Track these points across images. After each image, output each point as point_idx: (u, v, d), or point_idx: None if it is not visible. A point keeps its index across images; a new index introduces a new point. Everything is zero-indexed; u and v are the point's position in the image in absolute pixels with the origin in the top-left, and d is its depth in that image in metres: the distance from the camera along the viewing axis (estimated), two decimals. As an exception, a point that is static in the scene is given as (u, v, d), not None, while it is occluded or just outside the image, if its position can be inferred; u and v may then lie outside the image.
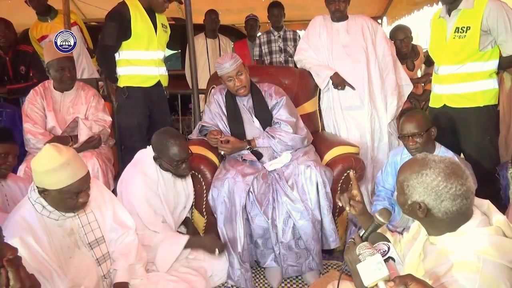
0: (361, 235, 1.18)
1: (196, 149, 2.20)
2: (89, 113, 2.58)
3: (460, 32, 2.13)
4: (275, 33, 3.88)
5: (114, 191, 2.10)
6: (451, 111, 2.27)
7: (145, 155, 2.01)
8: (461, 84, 2.21)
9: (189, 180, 2.14)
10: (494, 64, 2.17)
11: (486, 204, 1.12)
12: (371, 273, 1.00)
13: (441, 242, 1.09)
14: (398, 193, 1.17)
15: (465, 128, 2.25)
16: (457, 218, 1.06)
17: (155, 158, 1.95)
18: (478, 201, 1.13)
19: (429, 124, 2.01)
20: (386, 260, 1.06)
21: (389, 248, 1.13)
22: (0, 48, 3.08)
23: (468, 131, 2.25)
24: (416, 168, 1.10)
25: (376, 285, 1.00)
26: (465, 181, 1.06)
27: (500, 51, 2.16)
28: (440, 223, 1.08)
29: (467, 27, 2.10)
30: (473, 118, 2.22)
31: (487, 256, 0.98)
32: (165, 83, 2.83)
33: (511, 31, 2.06)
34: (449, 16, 2.19)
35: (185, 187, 2.13)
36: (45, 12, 3.42)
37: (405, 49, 3.11)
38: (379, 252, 1.08)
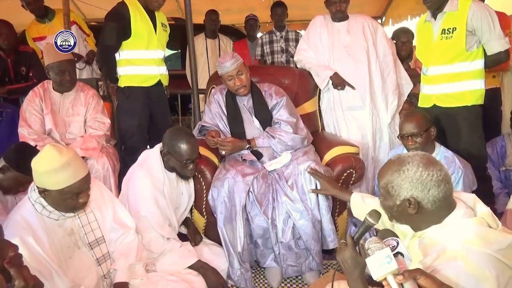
0: (353, 236, 1.20)
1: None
2: (88, 114, 2.58)
3: (447, 33, 2.22)
4: (277, 33, 3.87)
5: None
6: (441, 111, 2.32)
7: (150, 155, 2.01)
8: (450, 84, 2.29)
9: (190, 180, 2.14)
10: (480, 63, 2.25)
11: (472, 198, 1.16)
12: (380, 266, 1.01)
13: (428, 235, 1.13)
14: (383, 199, 1.20)
15: (455, 126, 2.31)
16: (443, 206, 1.10)
17: (163, 154, 1.95)
18: (464, 195, 1.17)
19: (428, 124, 2.02)
20: (395, 255, 1.06)
21: (398, 243, 1.14)
22: (2, 50, 3.10)
23: (458, 130, 2.30)
24: (395, 167, 1.14)
25: (385, 278, 1.00)
26: (441, 167, 1.12)
27: (485, 51, 2.24)
28: (429, 215, 1.12)
29: (453, 28, 2.20)
30: (463, 117, 2.29)
31: (472, 245, 1.01)
32: (165, 82, 2.83)
33: (494, 30, 2.16)
34: (435, 19, 2.29)
35: (188, 188, 2.13)
36: (43, 14, 3.42)
37: (404, 53, 3.12)
38: (388, 246, 1.08)
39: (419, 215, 1.12)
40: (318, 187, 2.07)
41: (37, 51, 3.41)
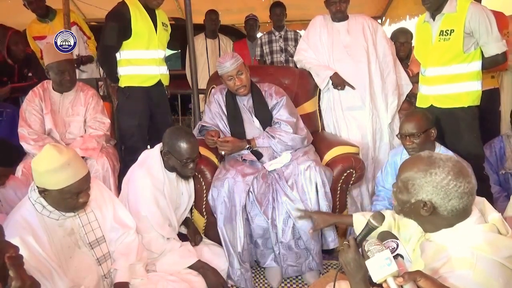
0: (355, 237, 1.19)
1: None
2: (87, 114, 2.58)
3: (445, 35, 2.23)
4: (276, 33, 3.89)
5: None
6: (438, 111, 2.33)
7: (150, 155, 2.01)
8: (447, 85, 2.30)
9: (190, 180, 2.14)
10: (477, 65, 2.26)
11: (482, 202, 1.14)
12: (380, 269, 1.01)
13: (437, 238, 1.11)
14: (398, 191, 1.16)
15: (452, 127, 2.33)
16: (459, 215, 1.07)
17: (164, 154, 1.95)
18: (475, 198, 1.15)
19: (428, 125, 2.01)
20: (395, 257, 1.06)
21: (397, 245, 1.13)
22: (13, 58, 3.15)
23: (455, 130, 2.32)
24: (422, 167, 1.09)
25: (385, 281, 1.00)
26: (471, 178, 1.07)
27: (482, 52, 2.26)
28: (441, 220, 1.09)
29: (451, 30, 2.21)
30: (459, 118, 2.30)
31: (481, 252, 0.99)
32: (166, 82, 2.83)
33: (492, 33, 2.17)
34: (434, 20, 2.30)
35: (188, 188, 2.13)
36: (44, 14, 3.44)
37: (402, 53, 3.10)
38: (388, 249, 1.08)
39: (431, 217, 1.09)
40: (318, 187, 2.08)
41: (36, 50, 3.44)
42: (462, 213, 1.07)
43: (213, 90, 2.57)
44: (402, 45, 3.12)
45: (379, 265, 1.01)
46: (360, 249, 1.16)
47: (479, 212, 1.09)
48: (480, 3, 2.65)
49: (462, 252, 1.02)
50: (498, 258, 0.99)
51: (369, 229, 1.20)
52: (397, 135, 2.17)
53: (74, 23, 3.47)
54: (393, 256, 1.05)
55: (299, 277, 2.15)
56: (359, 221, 1.66)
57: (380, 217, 1.19)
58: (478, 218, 1.07)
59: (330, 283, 1.41)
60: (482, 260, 0.98)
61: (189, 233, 2.14)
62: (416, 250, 1.18)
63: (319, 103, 2.86)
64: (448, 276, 0.99)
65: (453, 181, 1.05)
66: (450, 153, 2.07)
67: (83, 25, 3.66)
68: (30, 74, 3.30)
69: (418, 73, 2.57)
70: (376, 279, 1.01)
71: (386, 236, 1.22)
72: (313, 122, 2.80)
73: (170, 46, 3.79)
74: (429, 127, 2.01)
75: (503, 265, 0.99)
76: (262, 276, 2.18)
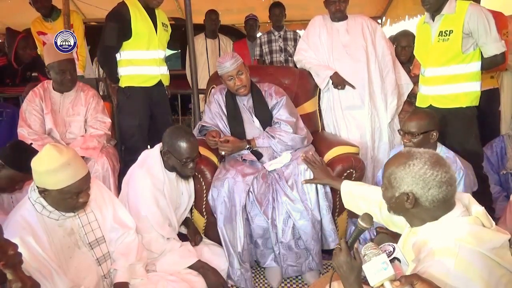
0: (346, 240, 1.20)
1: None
2: (88, 114, 2.58)
3: (444, 35, 2.25)
4: (276, 33, 3.90)
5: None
6: (437, 111, 2.33)
7: (150, 155, 2.01)
8: (446, 86, 2.32)
9: (190, 180, 2.14)
10: (476, 66, 2.28)
11: (467, 197, 1.17)
12: (377, 273, 1.02)
13: (423, 231, 1.13)
14: (384, 189, 1.21)
15: (451, 127, 2.34)
16: (441, 207, 1.10)
17: (164, 153, 1.95)
18: (459, 194, 1.18)
19: (430, 127, 2.00)
20: (391, 261, 1.07)
21: (394, 249, 1.14)
22: (19, 61, 3.17)
23: (454, 130, 2.33)
24: (402, 160, 1.14)
25: (382, 285, 1.01)
26: (449, 169, 1.11)
27: (482, 53, 2.28)
28: (426, 212, 1.12)
29: (450, 31, 2.23)
30: (458, 117, 2.32)
31: (465, 243, 1.01)
32: (166, 82, 2.83)
33: (490, 33, 2.19)
34: (433, 21, 2.32)
35: (188, 188, 2.13)
36: (47, 13, 3.45)
37: (403, 57, 3.06)
38: (385, 252, 1.09)
39: (415, 210, 1.13)
40: (318, 187, 2.07)
41: (39, 42, 3.48)
42: (444, 204, 1.10)
43: (213, 90, 2.57)
44: (404, 49, 3.05)
45: (376, 269, 1.02)
46: (352, 252, 1.18)
47: (463, 206, 1.12)
48: (479, 3, 2.66)
49: (445, 243, 1.04)
50: (482, 249, 1.00)
51: (359, 231, 1.22)
52: (398, 130, 2.17)
53: (72, 25, 3.47)
54: (390, 260, 1.06)
55: (299, 277, 2.15)
56: (345, 191, 1.77)
57: (369, 219, 1.21)
58: (463, 211, 1.10)
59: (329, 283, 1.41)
60: (465, 250, 1.00)
61: (189, 233, 2.14)
62: (405, 245, 1.20)
63: (319, 103, 2.86)
64: (430, 265, 1.01)
65: (429, 170, 1.09)
66: (451, 153, 2.07)
67: (78, 28, 3.47)
68: (34, 74, 3.34)
69: (419, 74, 2.58)
70: (373, 283, 1.02)
71: (383, 239, 1.23)
72: (313, 122, 2.80)
73: (170, 46, 3.79)
74: (430, 129, 2.00)
75: (487, 256, 1.00)
76: (262, 276, 2.18)
